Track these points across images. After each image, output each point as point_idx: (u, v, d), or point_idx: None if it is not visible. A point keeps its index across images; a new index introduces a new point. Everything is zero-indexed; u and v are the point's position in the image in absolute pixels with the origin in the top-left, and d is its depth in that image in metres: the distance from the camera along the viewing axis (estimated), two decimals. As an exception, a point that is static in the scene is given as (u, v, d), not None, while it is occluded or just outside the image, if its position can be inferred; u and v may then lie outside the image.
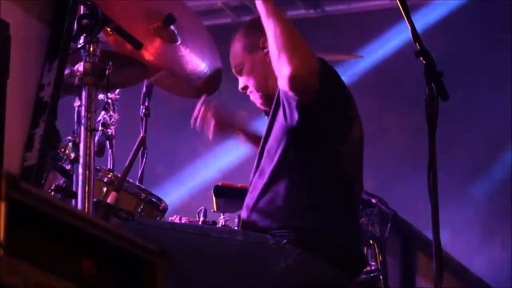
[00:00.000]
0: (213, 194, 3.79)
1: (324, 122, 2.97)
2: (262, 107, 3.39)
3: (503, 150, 6.65)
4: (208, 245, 2.90)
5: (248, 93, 3.34)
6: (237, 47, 3.34)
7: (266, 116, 3.70)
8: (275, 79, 3.26)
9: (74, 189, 2.91)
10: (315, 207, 2.93)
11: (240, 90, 3.35)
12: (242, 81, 3.33)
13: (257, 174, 3.12)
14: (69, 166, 3.10)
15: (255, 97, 3.32)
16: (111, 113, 3.41)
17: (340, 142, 3.00)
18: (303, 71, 2.82)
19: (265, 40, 3.25)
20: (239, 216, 3.37)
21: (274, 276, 2.85)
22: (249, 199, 3.07)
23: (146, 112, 4.03)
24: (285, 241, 2.88)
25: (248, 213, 3.04)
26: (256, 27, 3.29)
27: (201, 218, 3.57)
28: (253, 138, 3.62)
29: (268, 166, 3.04)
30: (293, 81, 2.82)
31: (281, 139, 3.01)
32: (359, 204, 3.17)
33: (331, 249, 2.92)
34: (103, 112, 3.33)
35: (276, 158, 3.01)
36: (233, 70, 3.36)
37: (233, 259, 2.89)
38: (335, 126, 3.00)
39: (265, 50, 3.26)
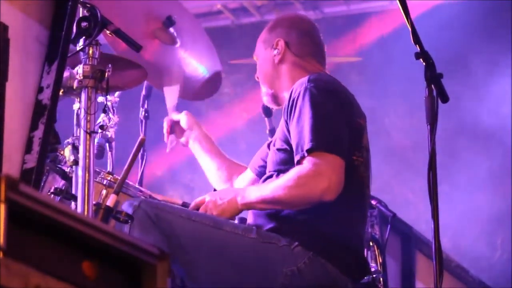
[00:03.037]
0: (212, 196, 3.78)
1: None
2: (266, 103, 3.41)
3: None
4: (221, 238, 2.90)
5: (260, 84, 3.38)
6: (260, 38, 3.39)
7: (265, 118, 3.70)
8: (281, 81, 3.28)
9: (73, 191, 2.91)
10: (326, 213, 2.93)
11: (256, 79, 3.39)
12: (257, 71, 3.38)
13: (262, 179, 3.12)
14: (68, 169, 3.10)
15: (263, 93, 3.37)
16: (111, 116, 3.41)
17: (354, 150, 3.00)
18: (323, 195, 2.86)
19: (279, 41, 3.27)
20: (239, 219, 3.36)
21: (283, 277, 2.85)
22: None
23: (146, 114, 4.03)
24: (296, 243, 2.89)
25: (255, 217, 3.04)
26: (279, 26, 3.33)
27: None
28: (214, 150, 3.60)
29: (275, 172, 3.04)
30: (330, 195, 2.86)
31: (290, 146, 3.01)
32: (367, 208, 3.18)
33: (340, 254, 2.93)
34: (102, 115, 3.33)
35: (284, 166, 3.00)
36: (254, 57, 3.41)
37: (244, 255, 2.89)
38: (350, 137, 3.00)
39: (275, 51, 3.28)
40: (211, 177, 3.57)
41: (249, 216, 3.09)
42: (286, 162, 3.00)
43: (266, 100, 3.37)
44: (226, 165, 3.55)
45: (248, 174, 3.43)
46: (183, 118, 3.60)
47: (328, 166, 2.86)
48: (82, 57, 2.88)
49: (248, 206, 2.99)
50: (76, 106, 3.01)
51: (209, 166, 3.57)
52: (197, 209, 3.07)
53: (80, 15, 2.82)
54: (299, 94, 2.98)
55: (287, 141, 3.02)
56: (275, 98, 3.33)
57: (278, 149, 3.06)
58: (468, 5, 6.67)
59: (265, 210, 2.99)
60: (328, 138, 2.90)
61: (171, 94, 3.72)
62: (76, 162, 2.88)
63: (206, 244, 2.90)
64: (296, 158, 2.91)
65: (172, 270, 2.86)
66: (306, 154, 2.87)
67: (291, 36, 3.30)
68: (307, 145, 2.87)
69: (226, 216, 2.99)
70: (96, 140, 3.26)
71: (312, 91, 2.96)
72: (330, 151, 2.88)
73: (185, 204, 3.24)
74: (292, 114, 2.98)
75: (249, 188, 3.09)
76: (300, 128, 2.92)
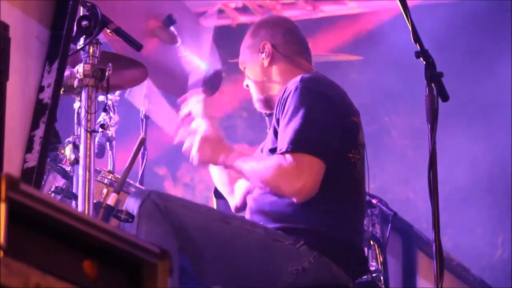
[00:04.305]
0: (213, 195, 3.79)
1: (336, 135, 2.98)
2: (260, 110, 3.39)
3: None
4: (229, 232, 2.90)
5: (250, 92, 3.36)
6: (243, 44, 3.36)
7: (266, 117, 3.69)
8: (272, 83, 3.27)
9: (74, 190, 2.91)
10: (326, 211, 2.94)
11: (244, 87, 3.36)
12: (245, 79, 3.35)
13: None
14: (69, 168, 3.10)
15: (254, 100, 3.34)
16: (111, 115, 3.41)
17: (351, 148, 3.00)
18: (301, 194, 2.88)
19: (265, 45, 3.26)
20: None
21: (288, 275, 2.86)
22: (252, 202, 3.06)
23: (146, 113, 4.03)
24: (302, 242, 2.89)
25: (252, 214, 3.04)
26: (263, 29, 3.31)
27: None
28: None
29: None
30: (301, 198, 2.89)
31: None
32: (366, 207, 3.18)
33: (344, 253, 2.93)
34: (103, 114, 3.33)
35: None
36: (239, 65, 3.38)
37: (251, 250, 2.89)
38: (345, 135, 3.00)
39: (263, 55, 3.26)
40: (213, 177, 3.56)
41: (247, 213, 3.09)
42: None
43: (259, 107, 3.35)
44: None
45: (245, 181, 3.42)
46: (198, 107, 3.53)
47: (306, 167, 2.87)
48: (83, 56, 2.88)
49: (226, 167, 3.12)
50: (76, 105, 3.01)
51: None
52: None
53: (81, 14, 2.82)
54: (290, 93, 2.98)
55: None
56: (268, 102, 3.30)
57: (270, 149, 3.05)
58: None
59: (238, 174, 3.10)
60: (312, 139, 2.90)
61: (199, 69, 3.71)
62: (76, 161, 2.88)
63: (214, 237, 2.90)
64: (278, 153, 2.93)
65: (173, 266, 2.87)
66: (288, 151, 2.88)
67: (277, 37, 3.28)
68: (290, 144, 2.88)
69: (202, 158, 3.02)
70: (96, 139, 3.27)
71: (302, 91, 2.96)
72: (312, 153, 2.88)
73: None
74: (282, 113, 2.98)
75: (237, 154, 3.06)
76: (286, 127, 2.92)
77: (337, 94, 3.07)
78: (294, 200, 2.88)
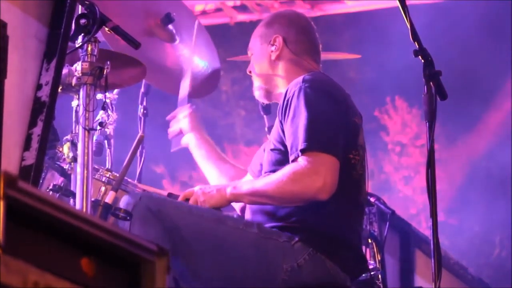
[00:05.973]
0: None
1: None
2: (259, 99, 3.40)
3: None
4: (223, 232, 2.90)
5: (252, 79, 3.36)
6: (256, 32, 3.37)
7: (264, 115, 3.70)
8: (276, 78, 3.27)
9: (72, 188, 2.91)
10: (325, 211, 2.93)
11: (247, 72, 3.37)
12: (250, 65, 3.36)
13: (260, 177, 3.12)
14: (67, 166, 3.10)
15: (255, 87, 3.35)
16: (110, 113, 3.41)
17: (351, 149, 3.00)
18: (318, 193, 2.85)
19: (277, 38, 3.27)
20: (238, 216, 3.36)
21: (284, 273, 2.86)
22: None
23: (145, 111, 4.03)
24: (296, 239, 2.89)
25: (252, 214, 3.04)
26: (277, 22, 3.32)
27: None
28: (213, 151, 3.58)
29: (271, 172, 3.03)
30: (325, 194, 2.86)
31: (284, 146, 3.01)
32: (365, 206, 3.19)
33: (339, 251, 2.93)
34: (101, 112, 3.32)
35: (279, 166, 3.00)
36: (248, 51, 3.39)
37: (245, 250, 2.89)
38: (346, 136, 2.99)
39: (272, 47, 3.27)
40: (213, 184, 3.56)
41: (247, 213, 3.09)
42: (281, 162, 3.00)
43: (258, 95, 3.35)
44: (227, 171, 3.52)
45: (248, 178, 3.42)
46: (184, 121, 3.59)
47: (323, 165, 2.86)
48: (81, 54, 2.88)
49: (237, 197, 2.99)
50: (74, 103, 3.01)
51: (210, 173, 3.55)
52: (186, 200, 3.06)
53: (79, 12, 2.82)
54: (293, 94, 2.97)
55: (281, 142, 3.01)
56: (268, 94, 3.32)
57: (272, 149, 3.05)
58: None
59: (255, 203, 3.00)
60: (323, 138, 2.90)
61: (184, 86, 3.72)
62: (74, 159, 2.88)
63: (208, 238, 2.90)
64: (291, 158, 2.91)
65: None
66: (300, 154, 2.87)
67: (289, 34, 3.29)
68: (301, 144, 2.87)
69: (212, 203, 2.99)
70: (94, 137, 3.27)
71: (306, 91, 2.96)
72: (325, 151, 2.88)
73: (170, 195, 3.24)
74: (286, 115, 2.98)
75: (242, 181, 3.09)
76: (295, 128, 2.92)
77: (340, 94, 3.08)
78: (319, 199, 2.85)
